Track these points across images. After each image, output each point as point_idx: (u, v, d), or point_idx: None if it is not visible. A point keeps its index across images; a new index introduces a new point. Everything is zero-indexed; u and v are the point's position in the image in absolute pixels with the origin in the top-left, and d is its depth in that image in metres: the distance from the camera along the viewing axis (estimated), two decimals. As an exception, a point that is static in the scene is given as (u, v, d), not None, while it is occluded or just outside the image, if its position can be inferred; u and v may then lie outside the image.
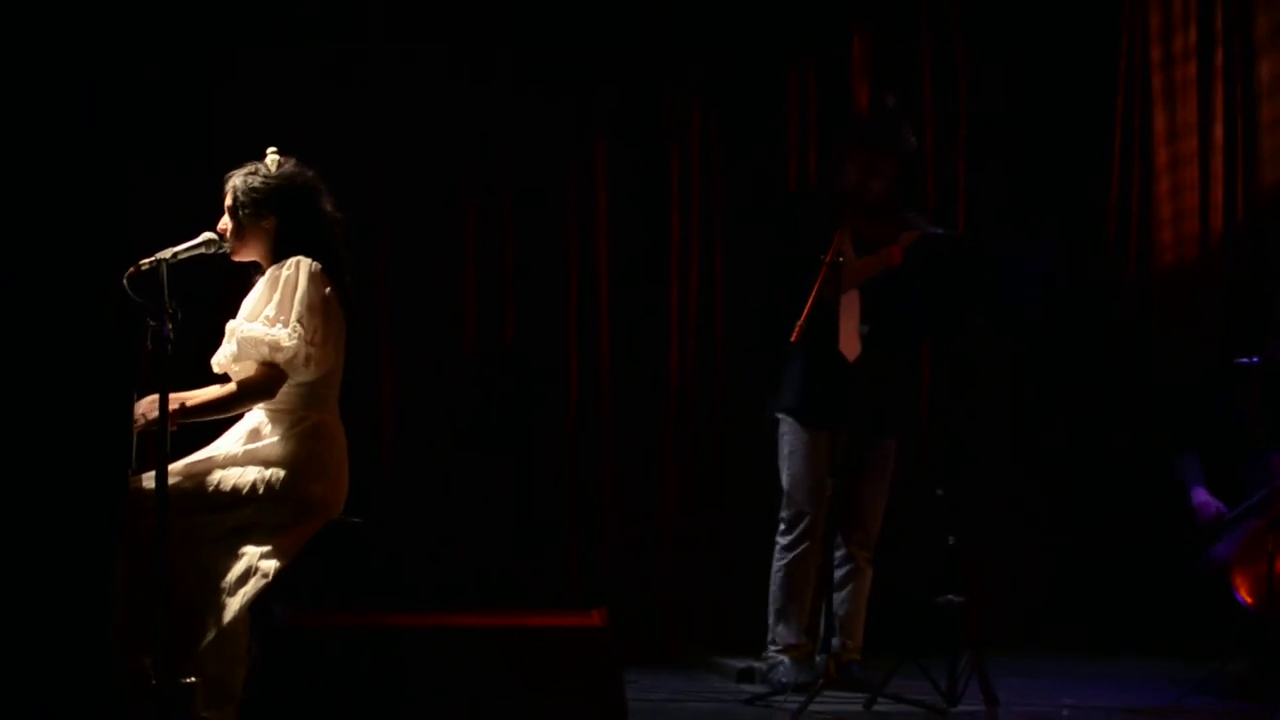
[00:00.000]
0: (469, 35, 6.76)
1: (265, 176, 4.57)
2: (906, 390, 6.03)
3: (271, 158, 4.61)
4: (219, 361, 4.51)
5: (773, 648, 5.80)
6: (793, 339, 5.30)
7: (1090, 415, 7.27)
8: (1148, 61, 7.27)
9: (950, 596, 5.19)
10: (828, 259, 5.37)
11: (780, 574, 5.78)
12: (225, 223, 4.58)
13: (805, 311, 5.31)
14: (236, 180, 4.58)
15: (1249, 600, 5.90)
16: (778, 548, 5.79)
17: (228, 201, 4.58)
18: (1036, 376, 7.21)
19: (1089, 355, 7.28)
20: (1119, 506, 7.15)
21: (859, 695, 5.46)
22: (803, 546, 5.73)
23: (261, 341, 4.39)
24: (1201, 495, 6.21)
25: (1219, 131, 7.11)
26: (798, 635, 5.76)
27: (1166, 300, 7.19)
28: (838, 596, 5.72)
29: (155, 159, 5.93)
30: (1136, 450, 7.17)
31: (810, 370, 5.66)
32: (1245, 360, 6.22)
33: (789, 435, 5.79)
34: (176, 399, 4.36)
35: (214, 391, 4.50)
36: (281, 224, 4.57)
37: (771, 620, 5.81)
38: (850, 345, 5.53)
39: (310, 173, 4.64)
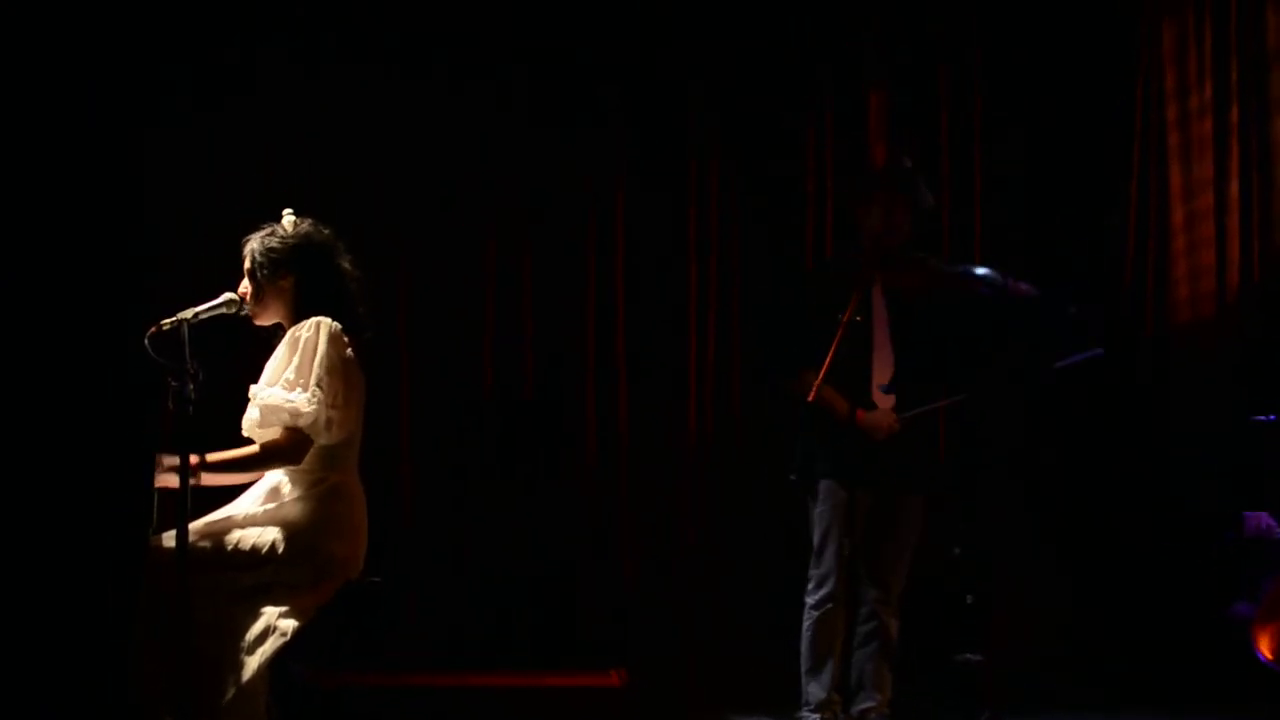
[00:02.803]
0: (491, 77, 6.80)
1: (282, 237, 4.60)
2: (932, 447, 6.02)
3: (288, 218, 4.63)
4: (246, 427, 4.53)
5: (805, 708, 5.78)
6: (809, 398, 5.32)
7: (1108, 473, 7.24)
8: (1163, 119, 7.29)
9: (968, 655, 5.18)
10: (845, 317, 5.40)
11: (809, 633, 5.77)
12: (245, 286, 4.60)
13: (822, 371, 5.33)
14: (254, 243, 4.60)
15: (1270, 658, 5.87)
16: (806, 606, 5.78)
17: (246, 265, 4.60)
18: (1053, 436, 7.19)
19: (1106, 412, 7.26)
20: (1140, 564, 7.11)
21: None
22: (829, 605, 5.72)
23: (281, 409, 4.40)
24: (1253, 514, 6.13)
25: (1234, 189, 7.10)
26: (828, 692, 5.73)
27: (1182, 357, 7.18)
28: (863, 653, 5.73)
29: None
30: (1157, 508, 7.15)
31: (844, 430, 5.66)
32: (1262, 418, 6.22)
33: (826, 495, 5.78)
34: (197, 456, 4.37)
35: (238, 451, 4.51)
36: (300, 283, 4.58)
37: (803, 680, 5.79)
38: (885, 398, 5.57)
39: (327, 231, 4.66)
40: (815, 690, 5.74)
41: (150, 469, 4.30)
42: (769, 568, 6.73)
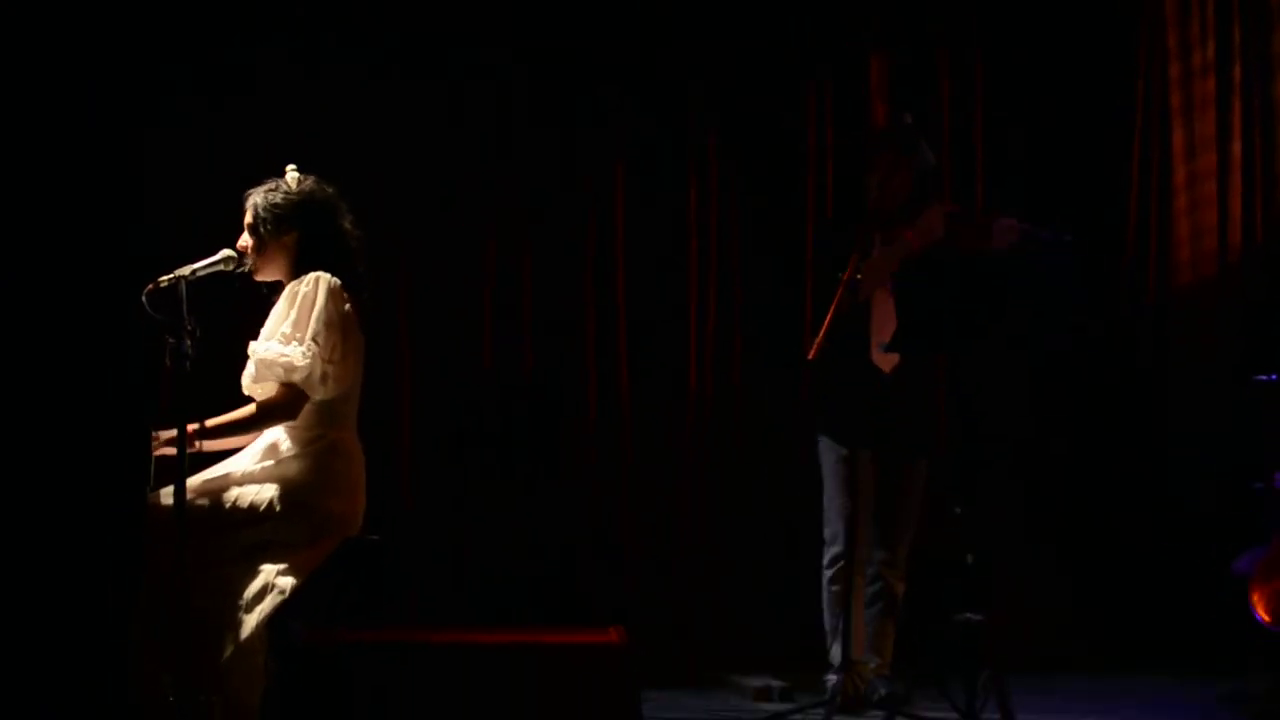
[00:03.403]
0: (492, 61, 6.77)
1: (286, 193, 4.58)
2: (930, 408, 5.99)
3: (291, 175, 4.62)
4: (246, 384, 4.52)
5: (830, 670, 5.75)
6: (810, 356, 5.30)
7: (1109, 432, 7.24)
8: (1166, 79, 7.26)
9: (968, 615, 5.16)
10: (845, 276, 5.37)
11: (825, 594, 5.77)
12: (246, 240, 4.57)
13: (823, 329, 5.30)
14: (257, 197, 4.58)
15: (1267, 618, 5.88)
16: (823, 567, 5.78)
17: (248, 219, 4.58)
18: (1054, 394, 7.18)
19: (1107, 372, 7.26)
20: (1138, 523, 7.12)
21: (878, 713, 5.46)
22: (840, 564, 5.71)
23: (275, 363, 4.39)
24: None
25: (1237, 148, 7.09)
26: (850, 652, 5.69)
27: (1184, 318, 7.17)
28: (868, 614, 5.73)
29: (174, 175, 6.00)
30: (1156, 467, 7.15)
31: (844, 389, 5.66)
32: (1264, 378, 6.21)
33: (826, 454, 5.79)
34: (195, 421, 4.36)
35: (235, 413, 4.50)
36: (303, 239, 4.56)
37: (828, 640, 5.78)
38: (885, 357, 5.54)
39: (330, 189, 4.65)
40: (838, 652, 5.71)
41: (148, 426, 4.29)
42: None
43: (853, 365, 5.58)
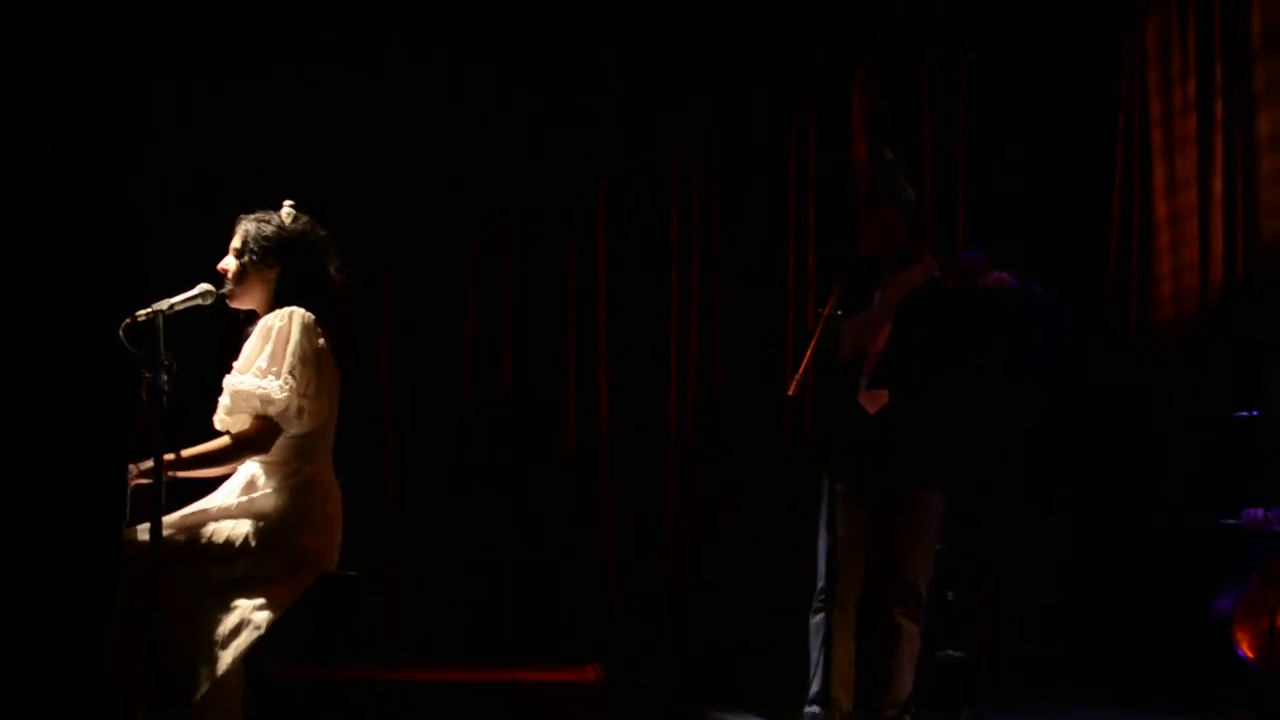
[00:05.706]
0: (477, 79, 6.80)
1: (279, 226, 4.57)
2: (938, 438, 5.91)
3: (288, 210, 4.61)
4: (219, 419, 4.50)
5: (809, 706, 5.72)
6: (789, 393, 5.28)
7: (1093, 468, 7.23)
8: (1147, 116, 7.28)
9: (950, 651, 5.15)
10: (825, 312, 5.36)
11: (811, 630, 5.73)
12: (228, 263, 4.56)
13: (802, 367, 5.28)
14: (249, 225, 4.57)
15: (1250, 655, 5.87)
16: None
17: (235, 242, 4.57)
18: (1039, 431, 7.17)
19: (1091, 408, 7.26)
20: (1122, 559, 7.11)
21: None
22: (821, 599, 5.65)
23: (253, 395, 4.38)
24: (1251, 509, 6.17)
25: (1218, 185, 7.09)
26: (828, 689, 5.64)
27: (1166, 354, 7.17)
28: (879, 655, 5.66)
29: (158, 197, 6.01)
30: (1140, 503, 7.14)
31: (833, 429, 5.63)
32: (1245, 414, 6.21)
33: (823, 494, 5.73)
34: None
35: (210, 444, 4.49)
36: (284, 275, 4.55)
37: (810, 674, 5.74)
38: (871, 398, 5.52)
39: (323, 233, 4.63)
40: (815, 686, 5.67)
41: (124, 461, 4.28)
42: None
43: (840, 407, 5.54)
